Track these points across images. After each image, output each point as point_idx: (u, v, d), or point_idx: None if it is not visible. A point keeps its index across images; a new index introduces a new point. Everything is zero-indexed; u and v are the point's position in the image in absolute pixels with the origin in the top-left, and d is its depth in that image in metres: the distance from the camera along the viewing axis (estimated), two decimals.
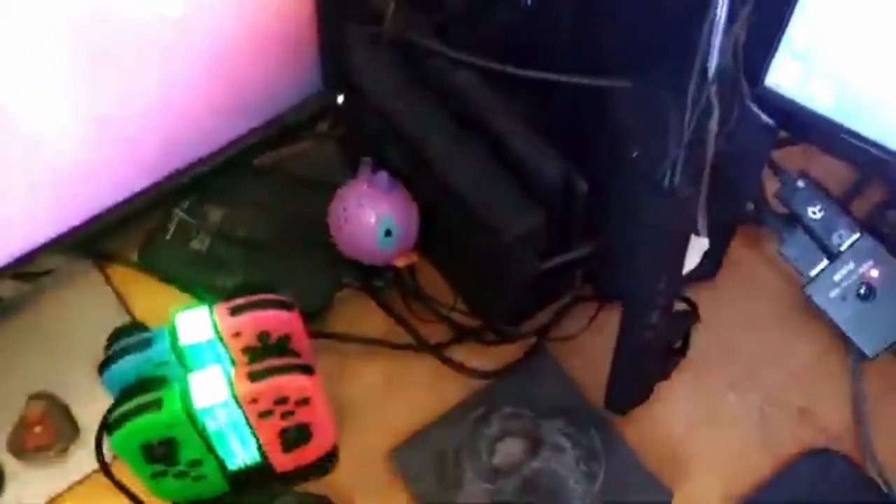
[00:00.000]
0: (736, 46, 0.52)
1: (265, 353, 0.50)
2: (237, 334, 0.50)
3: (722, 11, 0.46)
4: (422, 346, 0.63)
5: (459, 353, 0.63)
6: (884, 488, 0.57)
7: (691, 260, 0.54)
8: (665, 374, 0.59)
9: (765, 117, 0.56)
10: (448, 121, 0.57)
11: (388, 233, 0.58)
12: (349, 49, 0.57)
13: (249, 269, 0.64)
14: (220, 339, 0.50)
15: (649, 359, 0.54)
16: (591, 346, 0.62)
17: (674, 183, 0.48)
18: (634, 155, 0.54)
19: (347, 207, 0.59)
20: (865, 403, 0.61)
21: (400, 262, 0.60)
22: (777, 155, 0.67)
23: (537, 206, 0.54)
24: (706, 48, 0.46)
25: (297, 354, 0.51)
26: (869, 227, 0.63)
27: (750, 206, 0.67)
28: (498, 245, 0.54)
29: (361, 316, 0.65)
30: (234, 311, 0.50)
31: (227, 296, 0.51)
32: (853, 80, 0.58)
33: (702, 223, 0.54)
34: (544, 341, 0.63)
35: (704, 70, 0.46)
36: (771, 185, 0.66)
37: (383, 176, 0.58)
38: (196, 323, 0.50)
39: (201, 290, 0.63)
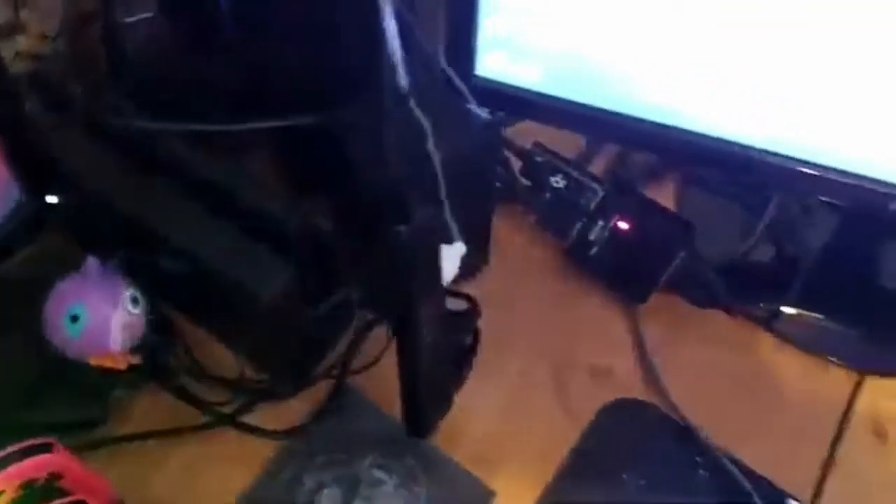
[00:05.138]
0: (430, 57, 0.52)
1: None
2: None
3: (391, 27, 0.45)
4: (218, 419, 0.60)
5: (260, 416, 0.61)
6: (682, 423, 0.61)
7: (450, 268, 0.54)
8: (461, 379, 0.59)
9: (484, 114, 0.57)
10: (172, 193, 0.54)
11: (74, 318, 0.55)
12: (48, 147, 0.53)
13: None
14: None
15: (436, 376, 0.54)
16: (394, 366, 0.62)
17: (407, 211, 0.48)
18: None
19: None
20: (650, 347, 0.64)
21: (107, 363, 0.58)
22: (511, 132, 0.69)
23: (285, 258, 0.52)
24: (388, 68, 0.45)
25: (66, 493, 0.48)
26: (612, 180, 0.66)
27: (498, 185, 0.69)
28: (257, 308, 0.52)
29: (156, 406, 0.62)
30: None
31: None
32: (559, 53, 0.59)
33: (455, 230, 0.54)
34: (344, 378, 0.62)
35: (397, 91, 0.46)
36: (515, 162, 0.68)
37: (93, 263, 0.55)
38: None
39: None
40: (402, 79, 0.45)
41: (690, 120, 0.59)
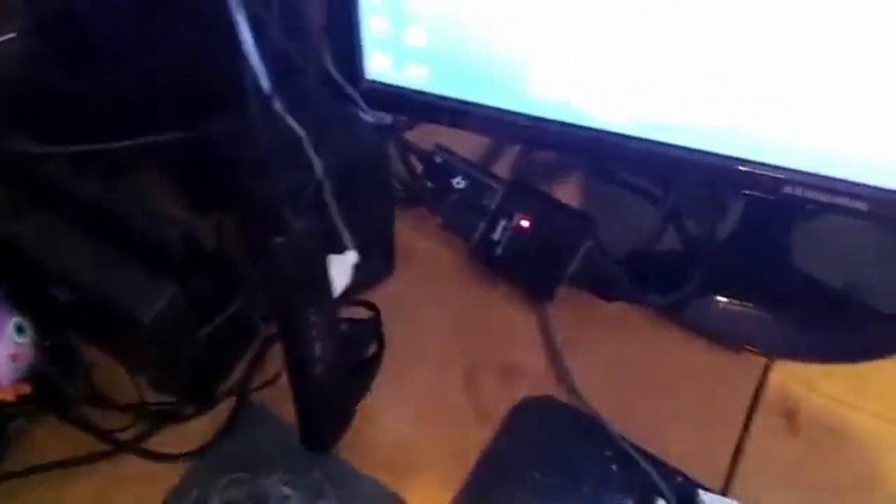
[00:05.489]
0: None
1: None
2: None
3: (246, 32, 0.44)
4: (119, 446, 0.59)
5: (164, 440, 0.59)
6: (592, 418, 0.60)
7: (342, 278, 0.53)
8: (365, 389, 0.58)
9: (372, 118, 0.56)
10: (51, 217, 0.53)
11: None
12: None
13: None
14: None
15: (332, 389, 0.53)
16: None
17: (283, 220, 0.47)
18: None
19: None
20: (560, 344, 0.64)
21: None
22: (413, 135, 0.68)
23: (167, 279, 0.51)
24: (248, 73, 0.44)
25: None
26: (511, 178, 0.65)
27: (398, 186, 0.68)
28: (142, 330, 0.51)
29: (56, 437, 0.60)
30: None
31: None
32: (439, 51, 0.59)
33: (348, 238, 0.53)
34: (246, 395, 0.61)
35: (261, 97, 0.45)
36: (418, 165, 0.68)
37: None
38: None
39: None
40: (265, 83, 0.44)
41: (580, 115, 0.58)
